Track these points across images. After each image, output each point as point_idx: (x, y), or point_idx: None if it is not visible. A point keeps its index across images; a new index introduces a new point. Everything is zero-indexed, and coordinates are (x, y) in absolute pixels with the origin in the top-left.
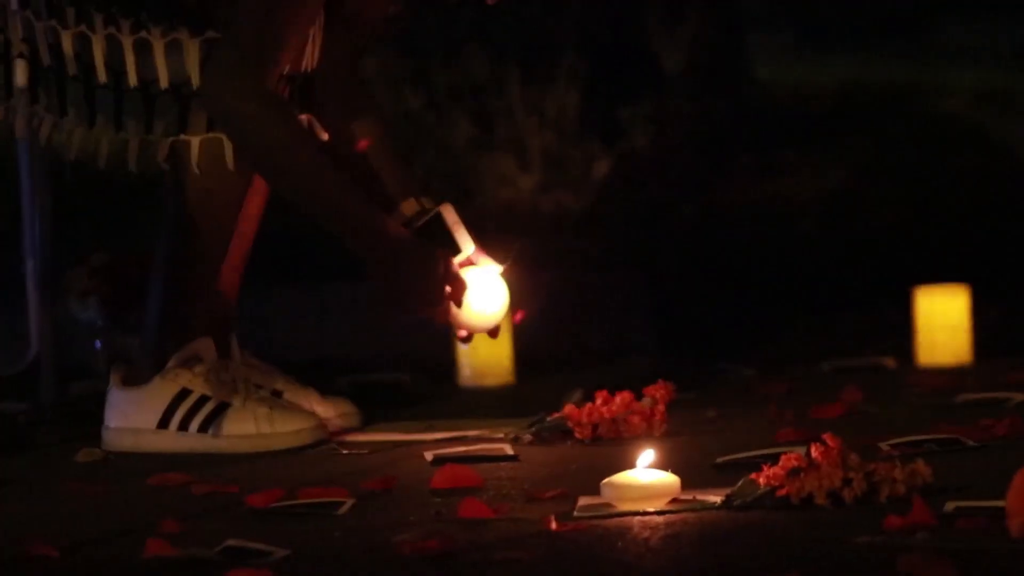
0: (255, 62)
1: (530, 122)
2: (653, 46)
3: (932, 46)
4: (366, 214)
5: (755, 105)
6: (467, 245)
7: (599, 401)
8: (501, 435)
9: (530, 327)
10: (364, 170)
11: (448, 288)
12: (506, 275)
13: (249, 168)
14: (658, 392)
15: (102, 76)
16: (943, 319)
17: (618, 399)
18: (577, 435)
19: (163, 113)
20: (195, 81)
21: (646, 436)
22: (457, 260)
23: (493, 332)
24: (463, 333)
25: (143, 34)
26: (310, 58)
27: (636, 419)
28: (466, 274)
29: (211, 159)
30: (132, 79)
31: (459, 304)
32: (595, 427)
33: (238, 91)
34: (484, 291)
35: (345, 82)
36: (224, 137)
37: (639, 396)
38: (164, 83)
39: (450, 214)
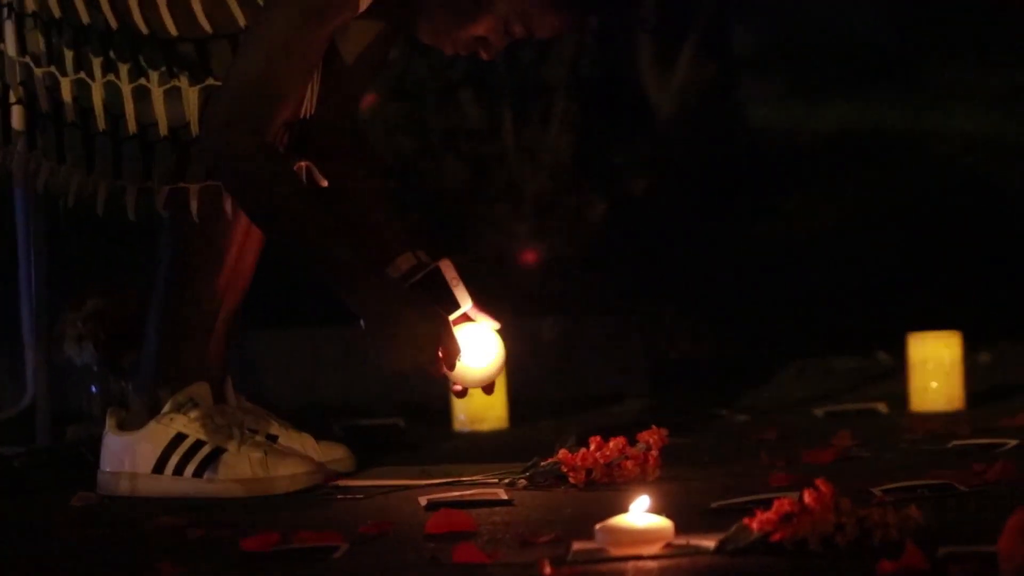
0: (254, 116)
1: (524, 167)
2: (646, 91)
3: (925, 90)
4: (363, 270)
5: (748, 149)
6: (465, 301)
7: (593, 446)
8: (495, 480)
9: (525, 372)
10: (360, 221)
11: (443, 349)
12: (502, 332)
13: (248, 219)
14: (652, 437)
15: (101, 123)
16: (936, 365)
17: (612, 444)
18: (571, 480)
19: (162, 160)
20: (194, 127)
21: (640, 481)
22: (454, 316)
23: (488, 388)
24: (458, 388)
25: (142, 81)
26: (308, 104)
27: (630, 464)
28: (463, 330)
29: (210, 207)
30: (131, 126)
31: (452, 367)
32: (589, 472)
33: (236, 145)
34: (480, 348)
35: (342, 129)
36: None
37: (633, 441)
38: (163, 130)
39: (448, 270)
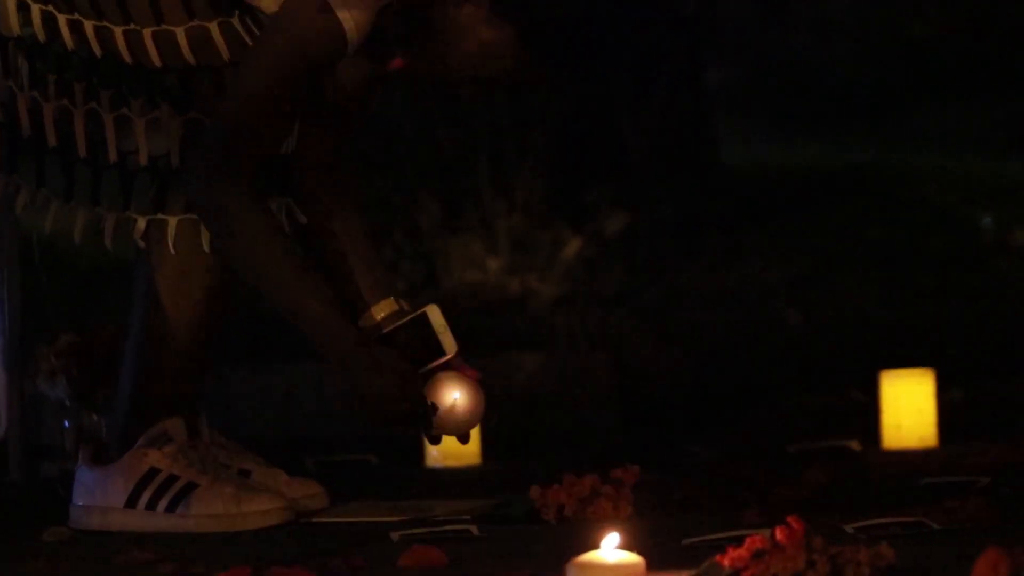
0: (238, 158)
1: (498, 204)
2: (621, 129)
3: (899, 130)
4: (339, 327)
5: (722, 188)
6: (450, 348)
7: (565, 482)
8: (467, 515)
9: (498, 407)
10: (341, 264)
11: (413, 406)
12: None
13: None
14: (624, 474)
15: (82, 150)
16: (909, 403)
17: (584, 481)
18: (543, 516)
19: (141, 191)
20: (174, 158)
21: (612, 517)
22: (436, 363)
23: (463, 437)
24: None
25: (124, 111)
26: (289, 140)
27: (602, 500)
28: (444, 378)
29: (187, 239)
30: (112, 154)
31: (430, 428)
32: (561, 508)
33: (219, 188)
34: (460, 398)
35: (328, 169)
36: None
37: (606, 478)
38: (143, 160)
39: (436, 316)
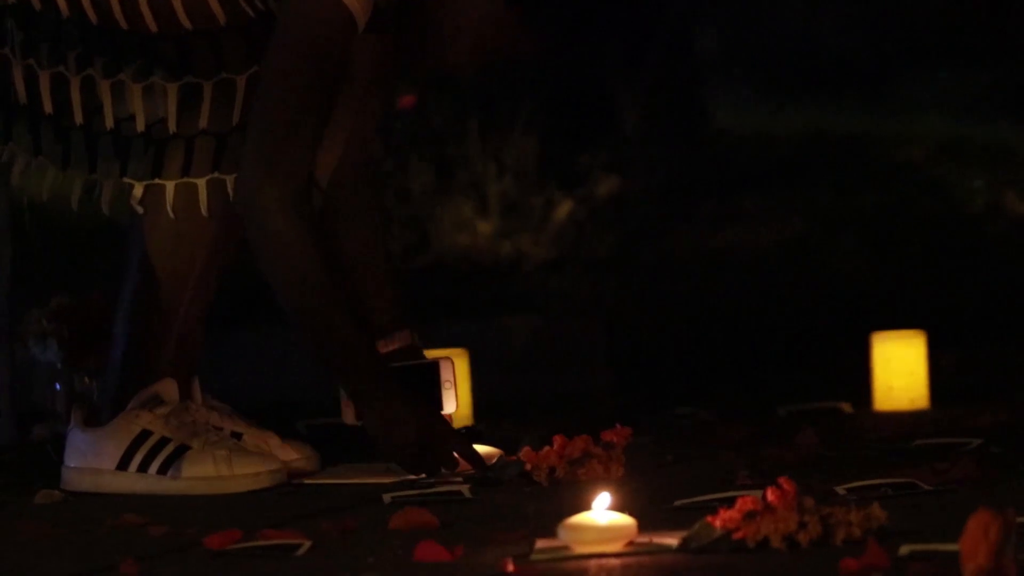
0: (281, 161)
1: (489, 168)
2: (613, 93)
3: (891, 96)
4: (372, 365)
5: (714, 153)
6: (450, 406)
7: (557, 444)
8: (458, 477)
9: (489, 371)
10: (360, 287)
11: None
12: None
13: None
14: (616, 436)
15: (78, 117)
16: (900, 365)
17: (576, 443)
18: (535, 478)
19: (137, 156)
20: (171, 124)
21: (603, 479)
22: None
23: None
24: None
25: (120, 77)
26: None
27: (594, 462)
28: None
29: (185, 203)
30: (108, 121)
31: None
32: (552, 470)
33: (265, 199)
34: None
35: (349, 188)
36: (198, 182)
37: (597, 440)
38: (140, 127)
39: (447, 371)
